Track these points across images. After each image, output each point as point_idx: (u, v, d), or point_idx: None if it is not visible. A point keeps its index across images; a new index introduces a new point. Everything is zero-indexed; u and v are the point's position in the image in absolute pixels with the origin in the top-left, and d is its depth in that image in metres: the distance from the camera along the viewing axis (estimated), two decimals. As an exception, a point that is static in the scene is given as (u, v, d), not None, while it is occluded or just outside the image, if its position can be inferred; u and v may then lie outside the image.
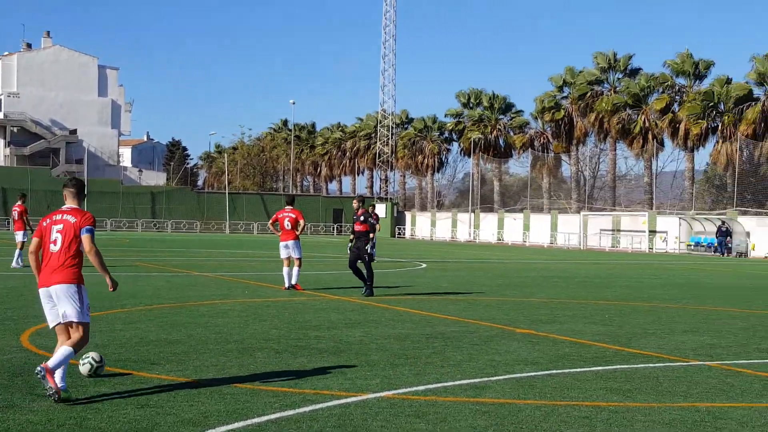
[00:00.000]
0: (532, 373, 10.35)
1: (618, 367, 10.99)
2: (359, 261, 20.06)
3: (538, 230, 75.50)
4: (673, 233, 63.94)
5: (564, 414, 8.29)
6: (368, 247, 20.01)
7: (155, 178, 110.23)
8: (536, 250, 60.61)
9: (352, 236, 20.55)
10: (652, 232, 65.06)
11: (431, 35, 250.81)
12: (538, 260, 43.14)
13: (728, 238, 58.74)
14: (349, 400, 8.64)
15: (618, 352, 12.28)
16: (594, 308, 18.42)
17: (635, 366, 11.10)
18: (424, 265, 34.17)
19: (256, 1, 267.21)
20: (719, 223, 59.88)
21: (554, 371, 10.54)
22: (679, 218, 64.93)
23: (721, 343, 13.47)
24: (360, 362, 10.84)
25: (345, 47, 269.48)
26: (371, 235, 20.30)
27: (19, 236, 27.21)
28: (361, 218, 20.25)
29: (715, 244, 59.33)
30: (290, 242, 20.82)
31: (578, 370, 10.71)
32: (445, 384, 9.59)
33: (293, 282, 20.83)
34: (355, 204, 20.84)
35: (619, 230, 69.44)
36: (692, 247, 62.18)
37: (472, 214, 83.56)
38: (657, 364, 11.27)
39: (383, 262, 36.41)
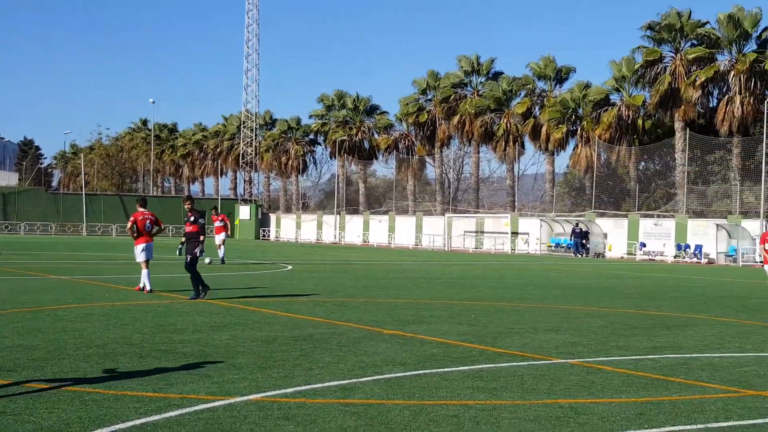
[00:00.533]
0: (401, 374, 10.38)
1: (484, 366, 11.13)
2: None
3: (403, 232, 76.16)
4: (535, 234, 65.44)
5: (432, 413, 8.33)
6: (197, 250, 19.61)
7: (6, 179, 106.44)
8: (402, 252, 61.11)
9: (183, 238, 20.20)
10: (515, 233, 66.42)
11: (295, 36, 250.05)
12: (404, 262, 43.51)
13: (585, 239, 60.49)
14: (216, 404, 8.49)
15: (483, 351, 12.45)
16: (459, 309, 18.64)
17: (501, 365, 11.27)
18: (290, 267, 34.02)
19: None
20: (574, 224, 61.62)
21: (422, 371, 10.60)
22: (540, 220, 66.50)
23: (582, 341, 13.80)
24: (227, 365, 10.68)
25: (207, 46, 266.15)
26: (201, 237, 19.95)
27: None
28: (191, 219, 19.92)
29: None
30: (149, 244, 20.38)
31: (445, 369, 10.80)
32: (314, 386, 9.53)
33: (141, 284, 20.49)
34: (186, 205, 20.42)
35: (482, 232, 70.67)
36: (553, 248, 63.76)
37: (338, 216, 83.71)
38: (521, 363, 11.47)
39: (249, 264, 36.12)
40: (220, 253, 35.12)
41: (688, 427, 8.02)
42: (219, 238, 35.94)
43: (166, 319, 15.40)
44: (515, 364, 11.39)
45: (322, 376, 10.10)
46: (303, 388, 9.40)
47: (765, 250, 22.25)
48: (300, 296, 20.77)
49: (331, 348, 12.28)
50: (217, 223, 36.24)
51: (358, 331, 14.28)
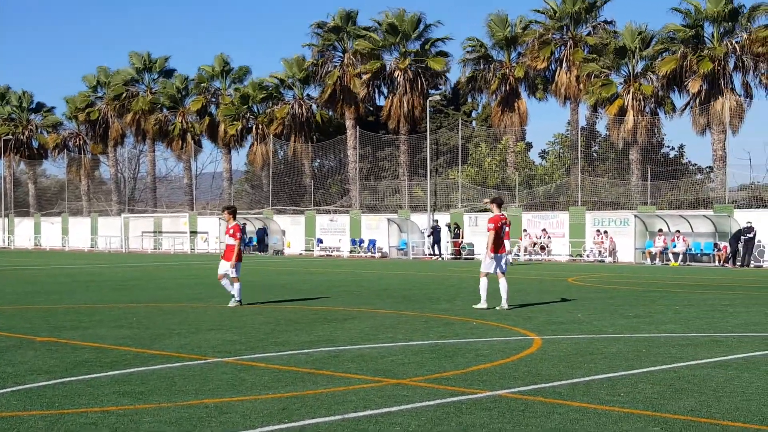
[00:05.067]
0: (44, 383, 9.96)
1: (135, 369, 10.91)
2: None
3: (78, 234, 73.52)
4: (214, 233, 65.24)
5: (70, 422, 8.06)
6: None
7: None
8: (76, 255, 58.95)
9: None
10: (194, 232, 65.97)
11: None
12: (75, 265, 41.98)
13: (266, 236, 61.19)
14: None
15: (139, 354, 12.21)
16: (124, 312, 18.20)
17: (153, 367, 11.09)
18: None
19: None
20: (252, 224, 62.18)
21: (68, 378, 10.24)
22: (218, 218, 66.37)
23: (242, 339, 13.87)
24: None
25: None
26: None
27: None
28: None
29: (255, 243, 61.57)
30: None
31: (93, 375, 10.48)
32: (-56, 402, 8.93)
33: None
34: None
35: (161, 232, 69.59)
36: (231, 246, 63.78)
37: (6, 219, 79.39)
38: (175, 364, 11.35)
39: None
40: None
41: (327, 419, 8.25)
42: None
43: None
44: (169, 365, 11.25)
45: (-44, 391, 9.50)
46: (-69, 405, 8.79)
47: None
48: (-49, 306, 19.46)
49: (-28, 360, 11.58)
50: None
51: (8, 340, 13.58)
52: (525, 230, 50.72)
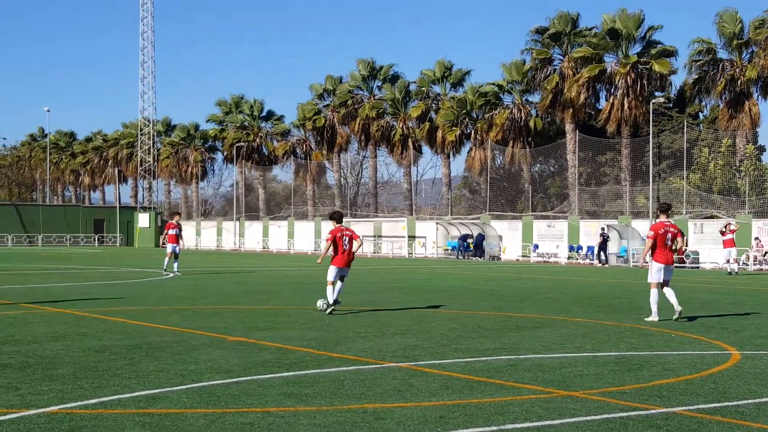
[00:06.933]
0: (220, 381, 10.26)
1: (309, 372, 11.06)
2: None
3: (303, 237, 75.87)
4: (431, 238, 65.74)
5: (228, 421, 8.24)
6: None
7: None
8: (299, 258, 60.87)
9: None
10: (412, 237, 66.71)
11: (192, 41, 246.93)
12: (292, 268, 43.28)
13: (483, 241, 61.06)
14: (7, 417, 8.27)
15: (318, 356, 12.39)
16: (320, 314, 18.50)
17: (327, 370, 11.20)
18: (170, 275, 33.45)
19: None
20: (469, 229, 62.18)
21: (244, 378, 10.51)
22: (437, 223, 66.88)
23: (424, 344, 13.82)
24: (43, 377, 10.45)
25: (103, 54, 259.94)
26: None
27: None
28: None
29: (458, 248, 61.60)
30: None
31: (268, 376, 10.70)
32: (122, 396, 9.35)
33: None
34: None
35: (380, 236, 70.78)
36: (449, 251, 64.16)
37: (237, 222, 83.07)
38: (350, 368, 11.42)
39: (127, 272, 35.56)
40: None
41: (482, 429, 8.07)
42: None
43: (6, 330, 14.99)
44: (344, 368, 11.34)
45: (136, 385, 9.92)
46: (108, 398, 9.22)
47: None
48: (163, 304, 20.45)
49: (162, 356, 12.09)
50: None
51: (202, 338, 14.11)
52: (756, 238, 48.19)
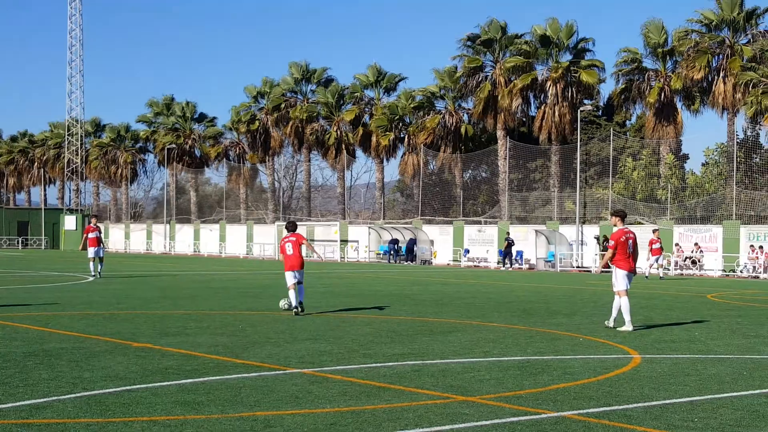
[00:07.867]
0: (113, 389, 10.03)
1: (208, 378, 10.87)
2: None
3: (234, 241, 75.34)
4: (364, 242, 65.69)
5: (111, 430, 8.05)
6: None
7: None
8: (231, 261, 60.39)
9: None
10: (344, 241, 66.57)
11: (123, 40, 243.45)
12: (220, 272, 42.89)
13: (414, 246, 61.18)
14: None
15: (222, 362, 12.20)
16: (235, 318, 18.30)
17: (227, 377, 11.02)
18: (89, 279, 32.89)
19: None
20: (400, 233, 62.27)
21: (138, 386, 10.28)
22: (369, 228, 66.87)
23: (335, 349, 13.70)
24: (-72, 386, 10.11)
25: (30, 52, 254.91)
26: None
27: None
28: None
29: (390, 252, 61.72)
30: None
31: (164, 383, 10.48)
32: (3, 405, 9.08)
33: None
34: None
35: (312, 240, 70.51)
36: (381, 255, 64.17)
37: (168, 225, 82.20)
38: (252, 374, 11.25)
39: (53, 276, 34.96)
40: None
41: (371, 436, 7.98)
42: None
43: None
44: (245, 375, 11.17)
45: (23, 394, 9.66)
46: (-10, 408, 8.95)
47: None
48: (74, 310, 20.04)
49: (58, 364, 11.79)
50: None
51: (105, 345, 13.83)
52: (677, 244, 48.97)
